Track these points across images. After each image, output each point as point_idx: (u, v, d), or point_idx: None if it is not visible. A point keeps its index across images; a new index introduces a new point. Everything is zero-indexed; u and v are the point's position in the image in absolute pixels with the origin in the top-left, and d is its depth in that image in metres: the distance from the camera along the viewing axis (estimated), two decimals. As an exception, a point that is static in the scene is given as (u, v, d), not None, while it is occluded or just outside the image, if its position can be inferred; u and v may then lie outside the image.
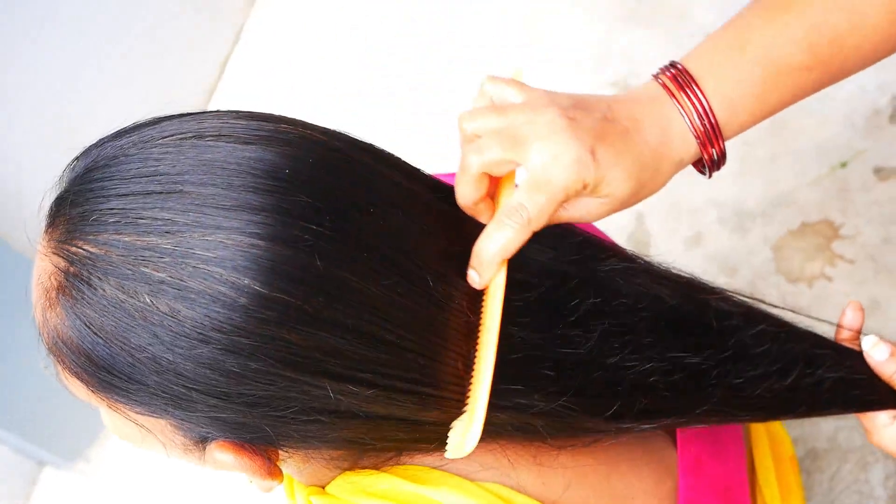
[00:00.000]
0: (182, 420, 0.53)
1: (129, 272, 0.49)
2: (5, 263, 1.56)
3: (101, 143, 0.55)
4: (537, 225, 0.54)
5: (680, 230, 1.57)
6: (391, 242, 0.52)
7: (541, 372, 0.56)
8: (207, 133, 0.52)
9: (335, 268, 0.50)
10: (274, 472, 0.56)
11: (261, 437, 0.54)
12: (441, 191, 0.59)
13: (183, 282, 0.48)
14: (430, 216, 0.56)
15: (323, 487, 0.62)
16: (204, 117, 0.54)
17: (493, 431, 0.55)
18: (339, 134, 0.56)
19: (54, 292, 0.52)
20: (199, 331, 0.48)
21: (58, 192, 0.55)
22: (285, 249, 0.49)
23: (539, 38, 1.89)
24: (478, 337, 0.55)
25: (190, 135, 0.52)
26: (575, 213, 0.57)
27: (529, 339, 0.57)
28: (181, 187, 0.50)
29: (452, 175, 0.82)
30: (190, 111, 0.56)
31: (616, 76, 1.78)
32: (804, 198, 1.51)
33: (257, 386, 0.50)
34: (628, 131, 0.56)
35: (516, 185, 0.57)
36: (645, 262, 0.66)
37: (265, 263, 0.48)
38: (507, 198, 0.56)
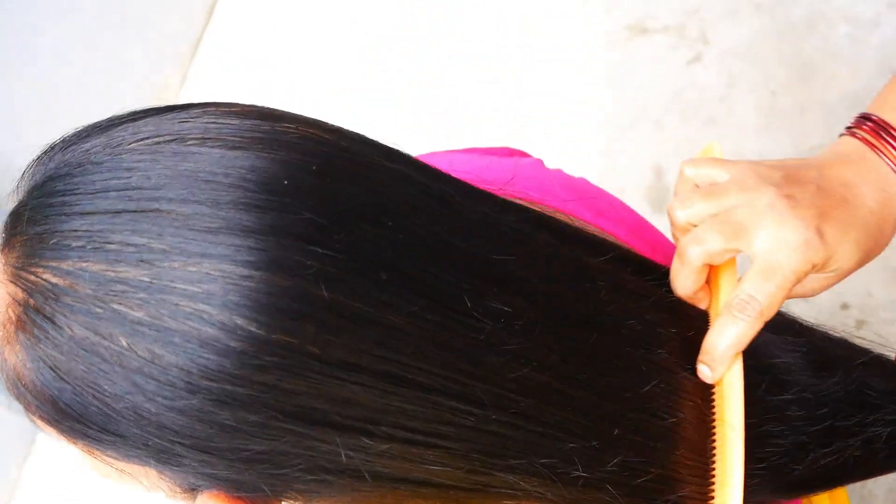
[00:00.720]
0: (167, 473, 0.45)
1: (100, 310, 0.40)
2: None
3: (65, 144, 0.46)
4: (769, 315, 0.52)
5: (701, 187, 1.49)
6: (415, 259, 0.44)
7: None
8: (190, 135, 0.43)
9: (345, 297, 0.41)
10: None
11: (259, 495, 0.46)
12: (476, 194, 0.51)
13: (163, 323, 0.40)
14: (463, 222, 0.47)
15: None
16: (188, 114, 0.45)
17: None
18: (350, 132, 0.48)
19: (12, 328, 0.43)
20: (185, 380, 0.40)
21: (14, 204, 0.47)
22: (284, 280, 0.40)
23: (539, 33, 1.82)
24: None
25: (169, 138, 0.43)
26: (798, 290, 0.55)
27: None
28: (157, 205, 0.41)
29: (435, 155, 0.75)
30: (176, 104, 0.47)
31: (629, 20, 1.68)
32: (836, 153, 1.41)
33: (255, 441, 0.42)
34: (847, 200, 0.53)
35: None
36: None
37: (261, 298, 0.40)
38: (728, 283, 0.55)
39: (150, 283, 0.40)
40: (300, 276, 0.40)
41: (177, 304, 0.40)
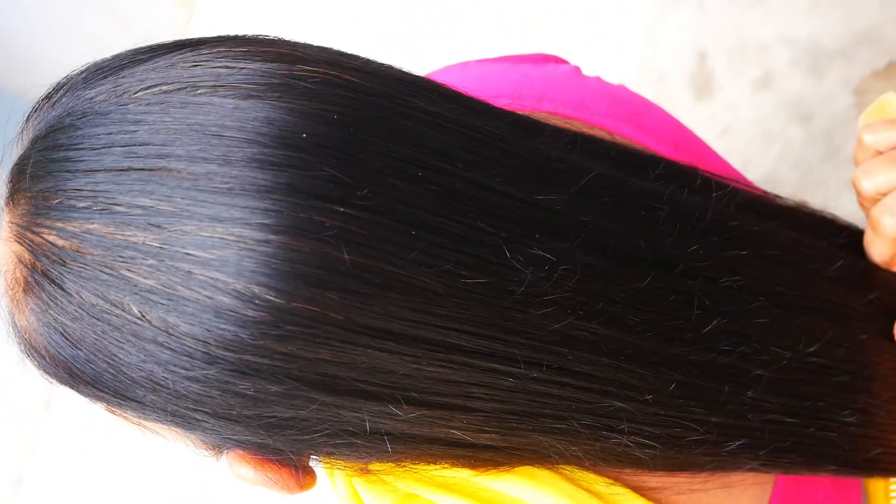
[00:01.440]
0: (188, 434, 0.44)
1: (109, 277, 0.38)
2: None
3: (69, 87, 0.43)
4: None
5: (747, 71, 1.43)
6: (448, 211, 0.40)
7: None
8: (200, 83, 0.40)
9: (371, 259, 0.38)
10: (305, 479, 0.47)
11: (285, 456, 0.45)
12: (517, 124, 0.47)
13: (175, 291, 0.37)
14: (502, 164, 0.43)
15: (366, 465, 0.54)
16: (199, 55, 0.41)
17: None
18: (379, 68, 0.44)
19: (20, 291, 0.42)
20: (202, 350, 0.38)
21: (18, 151, 0.44)
22: (304, 243, 0.37)
23: (539, 32, 1.72)
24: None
25: (178, 86, 0.40)
26: None
27: None
28: (165, 163, 0.38)
29: (467, 67, 0.71)
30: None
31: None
32: (892, 33, 1.34)
33: (277, 409, 0.40)
34: None
35: None
36: None
37: (279, 265, 0.37)
38: None
39: (161, 248, 0.38)
40: (321, 239, 0.37)
41: (189, 272, 0.37)
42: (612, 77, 0.73)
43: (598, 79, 0.69)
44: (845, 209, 0.61)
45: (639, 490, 0.51)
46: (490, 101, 0.48)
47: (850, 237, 0.58)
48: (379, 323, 0.38)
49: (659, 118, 0.67)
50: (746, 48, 1.43)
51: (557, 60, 0.72)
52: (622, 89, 0.69)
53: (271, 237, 0.37)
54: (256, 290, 0.37)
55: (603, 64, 1.51)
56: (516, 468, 0.48)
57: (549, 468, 0.49)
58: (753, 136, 1.39)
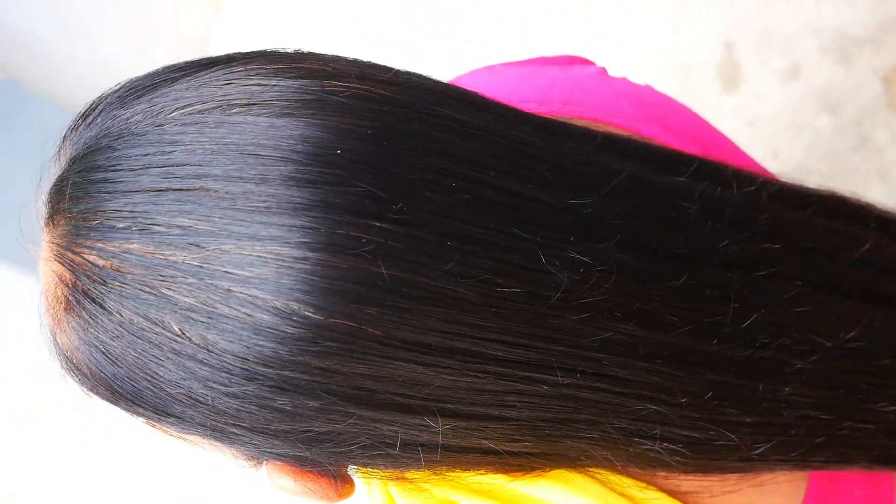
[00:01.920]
0: (228, 448, 0.45)
1: (150, 296, 0.39)
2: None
3: (105, 107, 0.44)
4: None
5: (774, 61, 1.42)
6: (483, 220, 0.40)
7: None
8: (234, 101, 0.40)
9: (408, 273, 0.38)
10: (344, 488, 0.47)
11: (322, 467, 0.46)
12: (550, 129, 0.47)
13: (215, 309, 0.38)
14: (536, 170, 0.43)
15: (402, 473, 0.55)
16: (231, 73, 0.42)
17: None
18: (408, 78, 0.44)
19: (61, 309, 0.42)
20: (241, 366, 0.38)
21: (56, 170, 0.45)
22: (341, 260, 0.37)
23: (539, 32, 1.71)
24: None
25: (212, 105, 0.40)
26: None
27: None
28: (202, 183, 0.39)
29: (493, 72, 0.71)
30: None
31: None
32: (919, 20, 1.33)
33: (315, 424, 0.41)
34: None
35: None
36: None
37: (317, 282, 0.37)
38: None
39: (200, 267, 0.38)
40: (358, 255, 0.38)
41: (229, 290, 0.38)
42: (631, 73, 0.73)
43: (624, 80, 0.69)
44: (875, 198, 0.61)
45: (672, 493, 0.51)
46: (517, 106, 0.48)
47: (885, 221, 0.57)
48: (416, 336, 0.39)
49: (685, 118, 0.67)
50: (773, 38, 1.42)
51: (584, 62, 0.72)
52: (648, 90, 0.69)
53: (309, 254, 0.37)
54: (295, 306, 0.38)
55: (611, 62, 1.51)
56: (549, 472, 0.49)
57: (581, 472, 0.49)
58: (782, 126, 1.38)
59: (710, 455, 0.47)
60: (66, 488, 1.80)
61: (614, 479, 0.50)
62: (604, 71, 0.70)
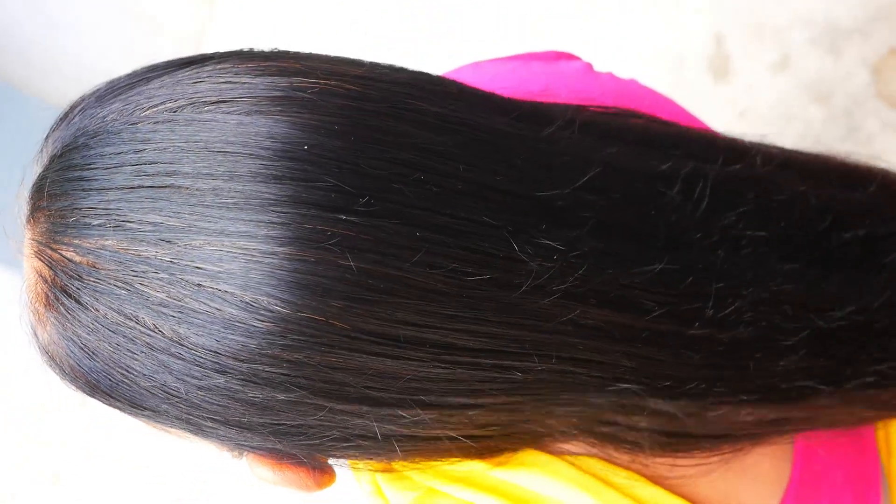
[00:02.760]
0: (205, 440, 0.46)
1: (124, 291, 0.40)
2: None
3: (84, 107, 0.45)
4: None
5: (764, 53, 1.42)
6: (452, 210, 0.41)
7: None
8: (204, 99, 0.41)
9: (375, 265, 0.39)
10: (323, 478, 0.48)
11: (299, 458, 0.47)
12: (531, 115, 0.47)
13: (185, 304, 0.39)
14: (506, 160, 0.43)
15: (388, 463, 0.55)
16: (201, 72, 0.43)
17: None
18: (382, 71, 0.45)
19: (42, 306, 0.44)
20: (212, 360, 0.39)
21: (39, 169, 0.46)
22: (308, 254, 0.38)
23: (539, 31, 1.72)
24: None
25: (183, 102, 0.41)
26: None
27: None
28: (172, 180, 0.40)
29: (479, 66, 0.71)
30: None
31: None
32: (908, 9, 1.34)
33: (287, 416, 0.41)
34: None
35: None
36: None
37: (284, 276, 0.38)
38: None
39: (171, 262, 0.39)
40: (325, 248, 0.38)
41: (199, 285, 0.39)
42: (621, 66, 0.73)
43: (609, 74, 0.69)
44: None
45: (653, 479, 0.52)
46: (498, 95, 0.48)
47: (885, 180, 0.56)
48: (385, 329, 0.40)
49: (670, 112, 0.67)
50: (763, 29, 1.43)
51: (570, 57, 0.73)
52: (633, 84, 0.69)
53: (277, 249, 0.38)
54: (263, 301, 0.38)
55: (601, 55, 1.51)
56: (530, 459, 0.49)
57: (561, 458, 0.50)
58: (773, 117, 1.39)
59: (688, 436, 0.48)
60: (66, 488, 1.81)
61: (594, 464, 0.50)
62: (589, 66, 0.70)
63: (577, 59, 0.72)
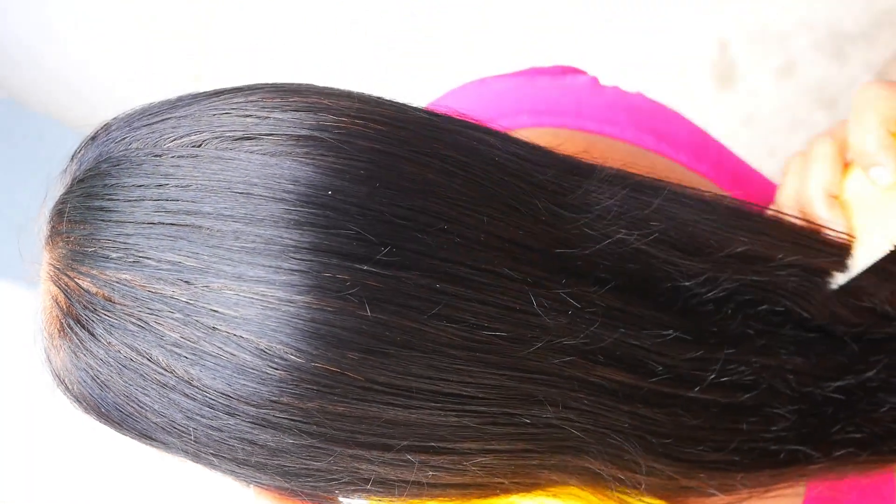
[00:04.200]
0: (211, 471, 0.46)
1: (138, 328, 0.39)
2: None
3: (111, 128, 0.44)
4: None
5: (769, 59, 1.42)
6: (474, 262, 0.40)
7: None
8: (229, 134, 0.41)
9: (393, 315, 0.38)
10: None
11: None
12: (560, 183, 0.46)
13: (199, 346, 0.39)
14: (530, 215, 0.43)
15: None
16: (229, 104, 0.42)
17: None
18: (409, 114, 0.43)
19: (56, 331, 0.43)
20: (223, 403, 0.39)
21: (61, 190, 0.46)
22: (326, 303, 0.38)
23: (539, 32, 1.72)
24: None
25: (207, 136, 0.41)
26: None
27: None
28: (193, 220, 0.39)
29: (484, 84, 0.71)
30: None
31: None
32: (913, 14, 1.34)
33: (294, 460, 0.41)
34: None
35: None
36: None
37: (300, 325, 0.38)
38: None
39: (188, 303, 0.39)
40: (343, 298, 0.38)
41: (214, 328, 0.38)
42: (625, 74, 0.73)
43: (615, 88, 0.69)
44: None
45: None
46: (529, 134, 0.47)
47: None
48: (398, 381, 0.39)
49: (678, 125, 0.67)
50: (767, 35, 1.42)
51: (575, 72, 0.72)
52: (640, 97, 0.69)
53: (295, 297, 0.38)
54: (278, 349, 0.38)
55: (605, 63, 1.51)
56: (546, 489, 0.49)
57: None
58: (778, 123, 1.39)
59: (696, 485, 0.48)
60: (66, 488, 1.81)
61: (606, 498, 0.50)
62: (595, 80, 0.70)
63: (583, 73, 0.72)
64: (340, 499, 0.48)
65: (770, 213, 0.51)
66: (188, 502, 1.74)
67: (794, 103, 1.38)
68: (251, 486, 0.47)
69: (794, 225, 0.50)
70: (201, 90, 0.45)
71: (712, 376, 0.45)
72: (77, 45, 1.64)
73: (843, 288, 0.50)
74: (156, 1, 1.76)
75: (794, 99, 1.37)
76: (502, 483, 0.45)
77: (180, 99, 0.44)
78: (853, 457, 0.50)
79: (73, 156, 0.46)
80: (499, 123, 0.54)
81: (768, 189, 0.67)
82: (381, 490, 0.44)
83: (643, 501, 0.50)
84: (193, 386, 0.39)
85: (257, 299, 0.38)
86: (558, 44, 1.63)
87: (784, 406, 0.47)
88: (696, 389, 0.45)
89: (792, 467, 0.49)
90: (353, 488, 0.43)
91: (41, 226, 0.46)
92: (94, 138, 0.45)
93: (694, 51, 1.48)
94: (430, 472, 0.43)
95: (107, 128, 0.45)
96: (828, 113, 1.33)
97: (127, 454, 1.73)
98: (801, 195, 0.51)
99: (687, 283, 0.46)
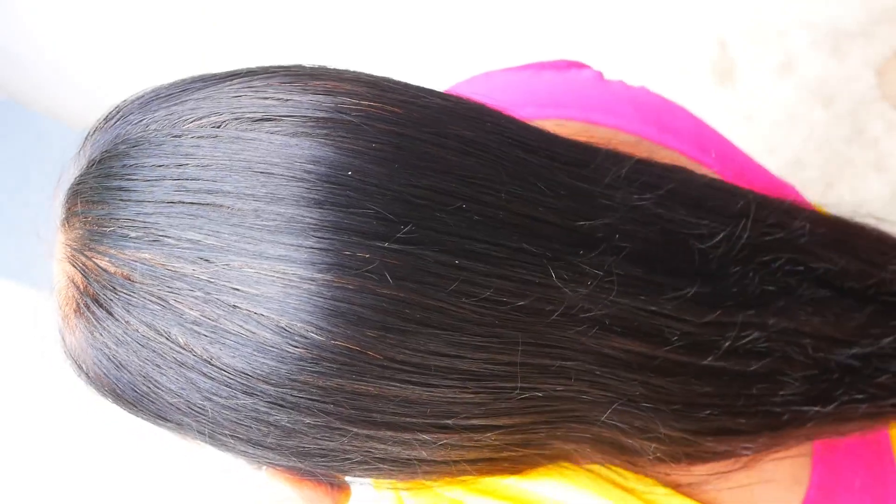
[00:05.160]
0: (224, 453, 0.46)
1: (158, 306, 0.40)
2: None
3: (127, 110, 0.44)
4: None
5: (768, 56, 1.43)
6: (492, 238, 0.40)
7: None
8: (249, 115, 0.41)
9: (412, 292, 0.39)
10: (340, 496, 0.48)
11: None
12: (571, 154, 0.47)
13: (219, 324, 0.39)
14: (547, 190, 0.43)
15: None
16: (247, 87, 0.42)
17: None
18: (423, 96, 0.44)
19: (71, 311, 0.43)
20: (241, 381, 0.39)
21: (75, 171, 0.46)
22: (347, 281, 0.38)
23: (539, 31, 1.72)
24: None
25: (227, 117, 0.41)
26: None
27: None
28: (214, 199, 0.39)
29: (490, 77, 0.72)
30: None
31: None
32: (911, 12, 1.34)
33: (310, 440, 0.41)
34: None
35: None
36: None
37: (321, 303, 0.38)
38: None
39: (208, 281, 0.39)
40: (364, 276, 0.38)
41: (234, 306, 0.38)
42: (625, 72, 0.73)
43: (620, 82, 0.70)
44: (872, 189, 0.61)
45: (671, 485, 0.52)
46: (536, 125, 0.48)
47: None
48: (417, 359, 0.39)
49: (681, 118, 0.68)
50: (767, 33, 1.43)
51: (580, 66, 0.73)
52: (644, 91, 0.69)
53: (315, 275, 0.38)
54: (298, 326, 0.38)
55: (605, 62, 1.51)
56: (549, 469, 0.50)
57: (581, 468, 0.50)
58: (777, 121, 1.39)
59: (700, 450, 0.48)
60: (66, 488, 1.80)
61: (612, 472, 0.51)
62: (600, 74, 0.70)
63: (588, 67, 0.73)
64: (347, 479, 0.49)
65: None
66: (188, 502, 1.74)
67: (793, 100, 1.38)
68: (264, 467, 0.47)
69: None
70: (213, 73, 0.45)
71: (728, 343, 0.46)
72: (77, 46, 1.65)
73: None
74: (156, 1, 1.76)
75: (793, 96, 1.37)
76: (513, 455, 0.46)
77: (193, 80, 0.44)
78: (853, 408, 0.51)
79: (85, 138, 0.46)
80: None
81: (773, 184, 0.67)
82: (394, 469, 0.44)
83: (646, 484, 0.51)
84: (212, 365, 0.39)
85: (278, 277, 0.38)
86: (558, 44, 1.64)
87: (796, 372, 0.48)
88: (710, 358, 0.46)
89: (796, 426, 0.49)
90: (366, 467, 0.44)
91: (55, 208, 0.46)
92: (106, 120, 0.45)
93: (693, 49, 1.49)
94: (444, 450, 0.43)
95: (120, 110, 0.45)
96: (827, 110, 1.33)
97: (127, 454, 1.73)
98: None
99: (705, 246, 0.46)
